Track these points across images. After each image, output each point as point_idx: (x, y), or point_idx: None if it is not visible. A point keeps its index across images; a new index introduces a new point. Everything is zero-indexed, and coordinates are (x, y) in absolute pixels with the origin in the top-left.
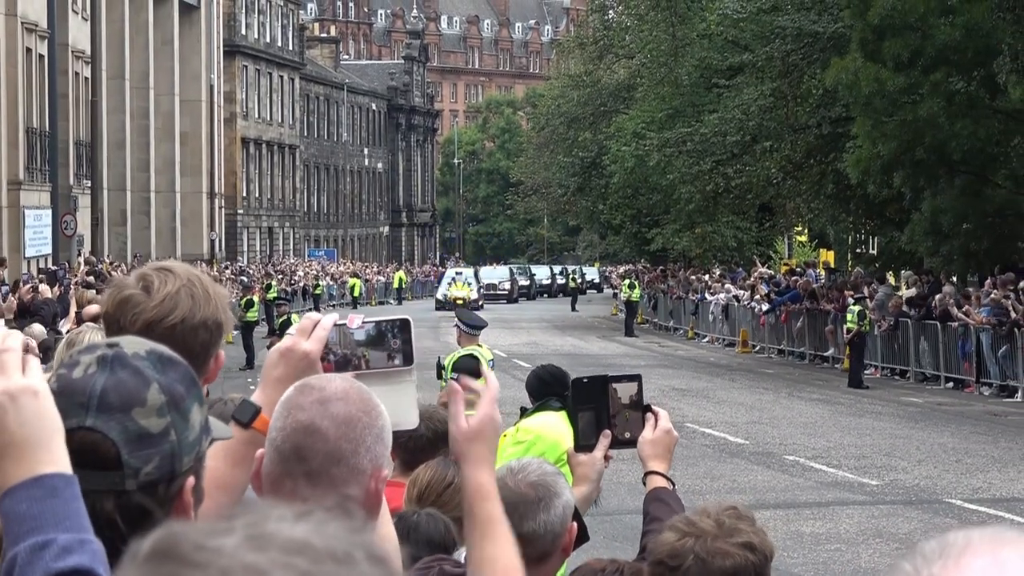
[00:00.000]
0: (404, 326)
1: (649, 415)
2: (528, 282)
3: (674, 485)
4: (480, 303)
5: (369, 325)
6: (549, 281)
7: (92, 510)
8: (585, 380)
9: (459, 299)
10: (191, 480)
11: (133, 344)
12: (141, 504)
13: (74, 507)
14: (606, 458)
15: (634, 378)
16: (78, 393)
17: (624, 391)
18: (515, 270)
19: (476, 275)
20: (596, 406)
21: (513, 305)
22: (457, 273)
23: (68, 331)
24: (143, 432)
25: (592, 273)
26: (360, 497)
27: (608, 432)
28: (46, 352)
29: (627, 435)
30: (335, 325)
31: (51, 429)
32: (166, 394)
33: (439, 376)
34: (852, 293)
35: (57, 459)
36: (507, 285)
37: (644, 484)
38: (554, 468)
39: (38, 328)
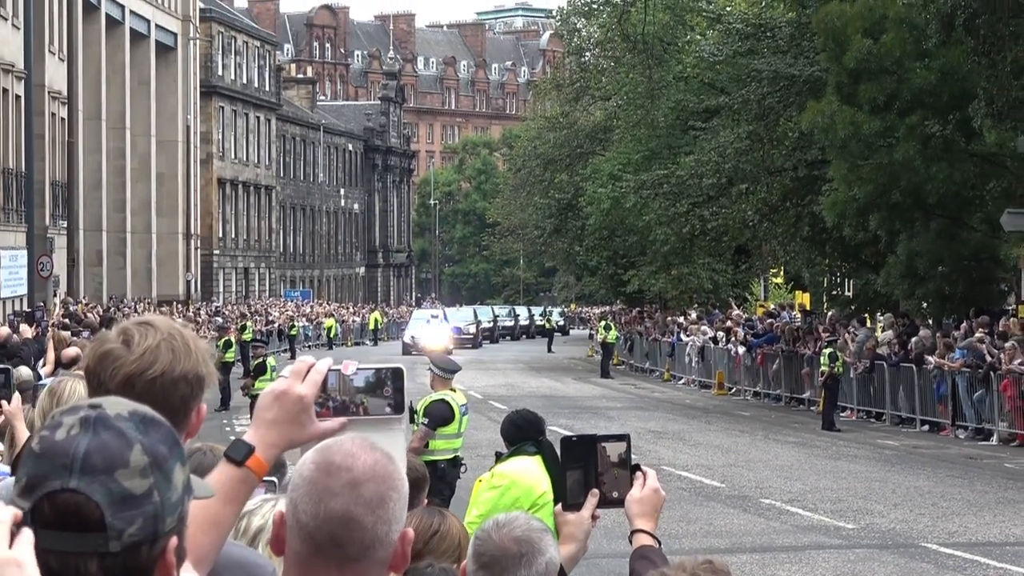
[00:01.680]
0: (397, 375)
1: (638, 474)
2: (491, 324)
3: (660, 543)
4: (451, 349)
5: (368, 372)
6: (512, 323)
7: (76, 572)
8: (574, 439)
9: (434, 351)
10: (174, 540)
11: (116, 405)
12: (125, 565)
13: None
14: (593, 517)
15: (623, 437)
16: (61, 455)
17: (613, 450)
18: (478, 312)
19: (445, 317)
20: (584, 465)
21: (478, 350)
22: (433, 315)
23: (47, 374)
24: (126, 494)
25: (556, 315)
26: (388, 563)
27: (596, 491)
28: (24, 393)
29: (615, 494)
30: (331, 370)
31: None
32: (149, 455)
33: (411, 420)
34: (828, 335)
35: None
36: (472, 329)
37: (631, 542)
38: (541, 524)
39: (25, 371)
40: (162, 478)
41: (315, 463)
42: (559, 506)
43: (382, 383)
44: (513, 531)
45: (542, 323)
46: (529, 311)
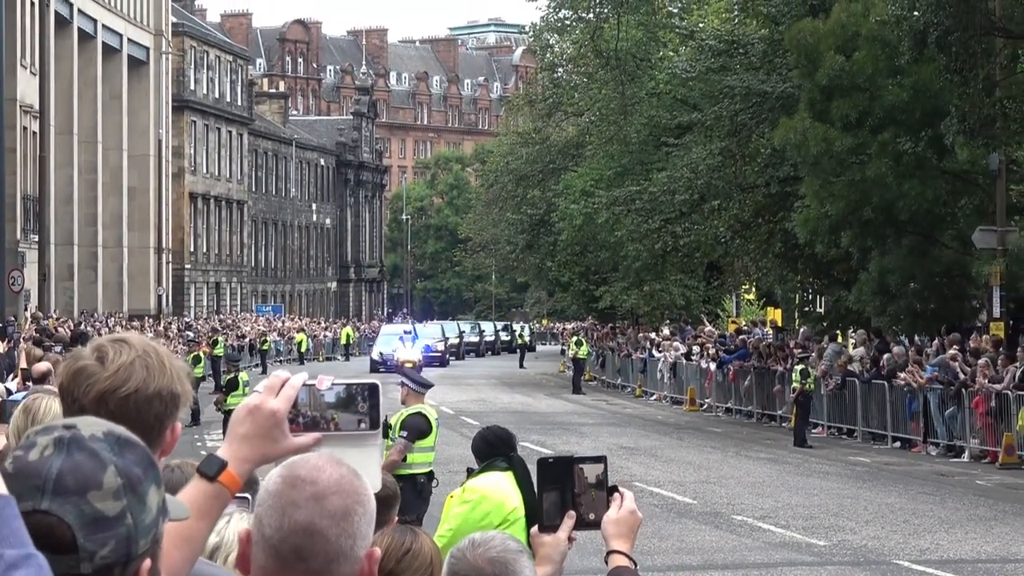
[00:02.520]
0: (373, 391)
1: (615, 495)
2: (458, 340)
3: (636, 564)
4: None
5: (339, 387)
6: (477, 339)
7: None
8: (551, 460)
9: (408, 362)
10: (147, 563)
11: (91, 426)
12: None
13: (14, 525)
14: (570, 539)
15: (600, 459)
16: (34, 476)
17: (590, 471)
18: (445, 328)
19: (415, 333)
20: (561, 486)
21: (445, 368)
22: (406, 332)
23: (16, 388)
24: (99, 516)
25: (525, 331)
26: None
27: (572, 513)
28: None
29: (592, 516)
30: (304, 385)
31: None
32: (123, 477)
33: (385, 435)
34: (800, 352)
35: None
36: (440, 346)
37: (606, 563)
38: (518, 545)
39: (0, 387)
40: (136, 500)
41: (281, 477)
42: (535, 527)
43: (353, 399)
44: (489, 551)
45: (508, 339)
46: (495, 327)
